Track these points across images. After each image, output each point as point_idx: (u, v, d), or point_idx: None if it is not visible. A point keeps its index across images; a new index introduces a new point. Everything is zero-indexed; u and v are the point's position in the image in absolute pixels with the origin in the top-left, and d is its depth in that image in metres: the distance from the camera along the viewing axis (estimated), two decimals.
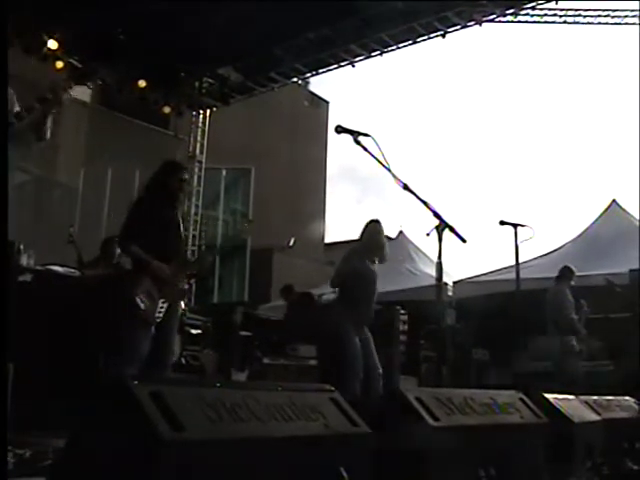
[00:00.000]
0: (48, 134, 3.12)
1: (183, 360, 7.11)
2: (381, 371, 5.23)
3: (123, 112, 12.43)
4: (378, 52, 10.50)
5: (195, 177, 12.82)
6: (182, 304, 7.27)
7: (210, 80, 12.02)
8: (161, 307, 4.13)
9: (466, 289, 10.73)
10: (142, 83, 10.81)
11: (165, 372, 4.23)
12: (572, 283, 7.49)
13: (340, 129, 3.38)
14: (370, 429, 2.34)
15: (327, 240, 25.15)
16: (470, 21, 9.78)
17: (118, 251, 5.84)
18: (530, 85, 59.07)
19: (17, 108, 3.07)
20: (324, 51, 10.60)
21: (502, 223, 5.11)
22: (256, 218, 15.40)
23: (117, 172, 11.59)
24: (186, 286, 4.47)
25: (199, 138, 12.81)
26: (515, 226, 5.11)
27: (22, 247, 5.22)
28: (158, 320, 4.12)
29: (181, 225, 4.53)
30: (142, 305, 4.03)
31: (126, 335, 4.05)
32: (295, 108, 24.32)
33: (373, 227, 5.41)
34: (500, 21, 10.30)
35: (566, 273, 7.49)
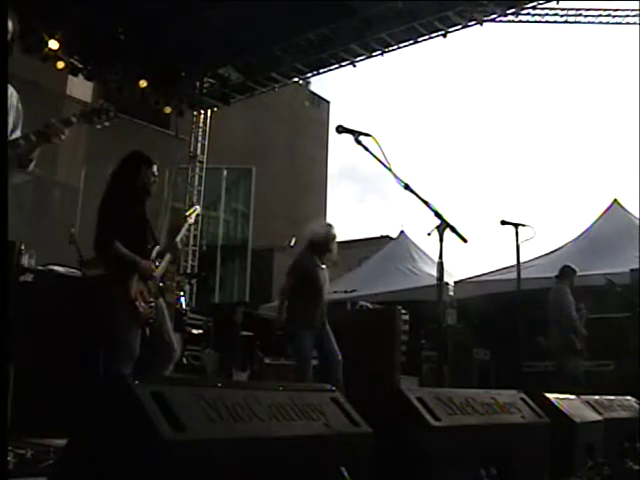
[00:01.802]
0: (31, 166, 2.88)
1: (184, 360, 7.11)
2: (340, 357, 5.54)
3: (124, 112, 12.41)
4: (379, 52, 10.49)
5: (196, 177, 12.83)
6: (183, 303, 7.26)
7: (211, 80, 12.02)
8: (151, 306, 4.12)
9: (467, 289, 10.72)
10: (143, 83, 10.82)
11: (162, 371, 4.22)
12: (574, 281, 7.47)
13: (341, 129, 3.37)
14: (371, 429, 2.34)
15: None
16: (471, 21, 9.77)
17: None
18: (531, 85, 59.10)
19: (17, 133, 2.87)
20: (324, 51, 10.60)
21: (503, 223, 5.09)
22: (257, 218, 15.41)
23: None
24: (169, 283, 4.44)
25: (200, 138, 12.81)
26: (516, 226, 5.10)
27: (23, 247, 5.21)
28: (152, 321, 4.11)
29: (149, 219, 4.39)
30: (140, 308, 4.03)
31: (124, 336, 4.04)
32: (296, 108, 24.35)
33: (318, 234, 5.74)
34: (501, 21, 10.31)
35: (567, 272, 7.47)
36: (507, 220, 5.10)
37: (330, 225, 5.84)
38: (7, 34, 2.73)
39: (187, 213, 4.96)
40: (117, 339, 4.07)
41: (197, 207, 5.18)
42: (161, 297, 4.29)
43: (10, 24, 2.76)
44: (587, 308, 7.48)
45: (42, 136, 2.80)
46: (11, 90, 2.85)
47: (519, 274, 5.53)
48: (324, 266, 5.76)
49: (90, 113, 3.02)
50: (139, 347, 4.03)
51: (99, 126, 3.05)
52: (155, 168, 4.33)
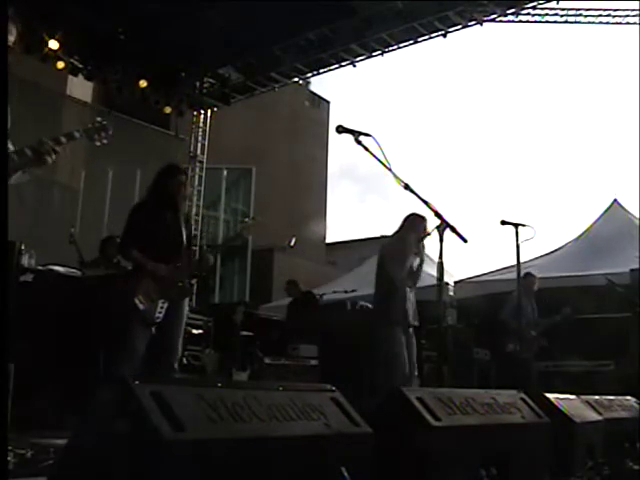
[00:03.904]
0: (12, 179, 2.89)
1: (184, 360, 7.10)
2: (417, 373, 5.32)
3: (124, 112, 12.44)
4: (379, 52, 10.48)
5: (196, 177, 12.82)
6: (186, 305, 7.25)
7: (210, 80, 12.01)
8: (161, 307, 4.13)
9: (467, 289, 10.71)
10: (143, 83, 10.81)
11: (170, 372, 4.22)
12: (531, 285, 7.44)
13: (341, 129, 3.37)
14: (371, 429, 2.34)
15: (328, 240, 25.20)
16: (471, 21, 9.77)
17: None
18: (531, 84, 59.10)
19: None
20: (324, 51, 10.59)
21: (503, 223, 5.09)
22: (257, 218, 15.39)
23: (118, 172, 11.57)
24: (188, 285, 4.45)
25: (200, 138, 12.80)
26: (516, 226, 5.10)
27: (23, 247, 5.22)
28: (158, 320, 4.12)
29: (183, 227, 4.50)
30: (141, 306, 4.03)
31: (125, 336, 4.05)
32: (296, 108, 24.34)
33: (414, 221, 5.35)
34: (501, 21, 10.30)
35: (523, 277, 7.36)
36: (507, 220, 5.10)
37: (420, 216, 5.33)
38: (7, 34, 2.73)
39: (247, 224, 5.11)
40: (121, 338, 4.09)
41: (249, 219, 5.26)
42: (178, 299, 4.30)
43: (12, 27, 2.77)
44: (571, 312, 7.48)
45: (35, 154, 2.85)
46: None
47: (519, 274, 5.53)
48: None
49: (92, 131, 3.23)
50: (144, 347, 4.04)
51: (98, 143, 3.22)
52: (183, 178, 4.56)
